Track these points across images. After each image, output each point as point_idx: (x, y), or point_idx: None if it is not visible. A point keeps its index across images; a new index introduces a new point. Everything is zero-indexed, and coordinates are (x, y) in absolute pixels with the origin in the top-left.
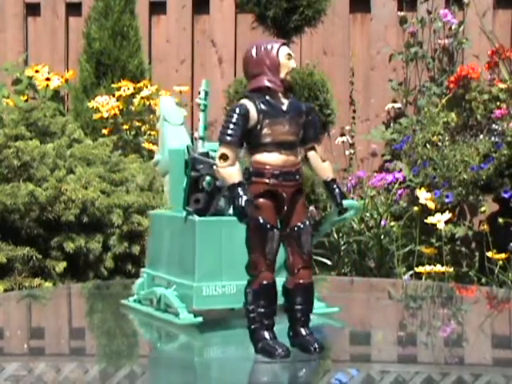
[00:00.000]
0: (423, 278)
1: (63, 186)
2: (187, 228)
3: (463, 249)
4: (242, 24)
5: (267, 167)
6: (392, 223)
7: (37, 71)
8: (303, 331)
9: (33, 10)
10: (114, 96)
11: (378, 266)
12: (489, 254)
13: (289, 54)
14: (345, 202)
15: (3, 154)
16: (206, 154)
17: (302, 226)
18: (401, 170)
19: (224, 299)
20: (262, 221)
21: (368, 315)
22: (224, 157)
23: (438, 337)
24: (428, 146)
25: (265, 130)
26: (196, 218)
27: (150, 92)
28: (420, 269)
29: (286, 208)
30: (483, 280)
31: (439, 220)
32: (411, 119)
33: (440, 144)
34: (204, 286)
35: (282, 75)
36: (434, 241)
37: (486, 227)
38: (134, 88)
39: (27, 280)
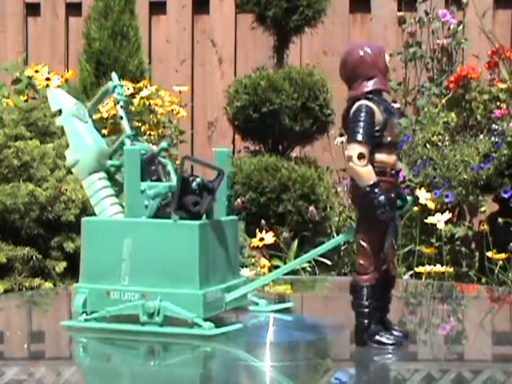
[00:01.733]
0: (423, 277)
1: (63, 186)
2: (179, 233)
3: (463, 249)
4: (242, 24)
5: (387, 167)
6: None
7: (36, 71)
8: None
9: (33, 10)
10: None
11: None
12: (489, 253)
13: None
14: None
15: (3, 154)
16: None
17: (398, 223)
18: (401, 170)
19: (219, 303)
20: (385, 217)
21: None
22: (361, 156)
23: (437, 334)
24: (428, 145)
25: (386, 131)
26: (196, 222)
27: (150, 92)
28: (420, 269)
29: None
30: (483, 280)
31: (439, 220)
32: (411, 119)
33: (440, 144)
34: (208, 293)
35: None
36: (433, 241)
37: (485, 227)
38: (134, 88)
39: (27, 280)
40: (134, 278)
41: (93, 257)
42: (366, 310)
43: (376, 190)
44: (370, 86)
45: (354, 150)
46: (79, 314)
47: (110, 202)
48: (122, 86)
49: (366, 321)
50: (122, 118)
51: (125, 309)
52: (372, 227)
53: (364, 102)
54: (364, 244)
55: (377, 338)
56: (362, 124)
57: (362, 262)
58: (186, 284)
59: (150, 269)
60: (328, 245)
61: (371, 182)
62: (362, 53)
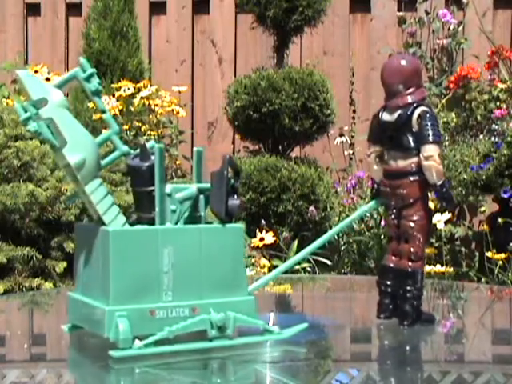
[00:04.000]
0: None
1: (63, 186)
2: (225, 238)
3: (463, 249)
4: (242, 24)
5: None
6: None
7: (36, 71)
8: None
9: (33, 10)
10: (113, 96)
11: (378, 265)
12: (488, 253)
13: None
14: None
15: (3, 154)
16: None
17: None
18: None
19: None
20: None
21: (368, 314)
22: (440, 156)
23: (437, 334)
24: None
25: None
26: (241, 225)
27: (150, 92)
28: None
29: None
30: (483, 280)
31: (439, 220)
32: None
33: None
34: (253, 299)
35: None
36: (433, 241)
37: (485, 227)
38: (134, 88)
39: (27, 280)
40: (178, 292)
41: (125, 273)
42: (420, 293)
43: (447, 185)
44: (424, 93)
45: (435, 150)
46: (128, 340)
47: (118, 210)
48: (99, 76)
49: (419, 303)
50: (104, 111)
51: (191, 326)
52: (426, 218)
53: (425, 107)
54: (418, 234)
55: (424, 317)
56: (435, 127)
57: (415, 249)
58: (236, 290)
59: (196, 279)
60: (354, 217)
61: (444, 179)
62: (416, 63)
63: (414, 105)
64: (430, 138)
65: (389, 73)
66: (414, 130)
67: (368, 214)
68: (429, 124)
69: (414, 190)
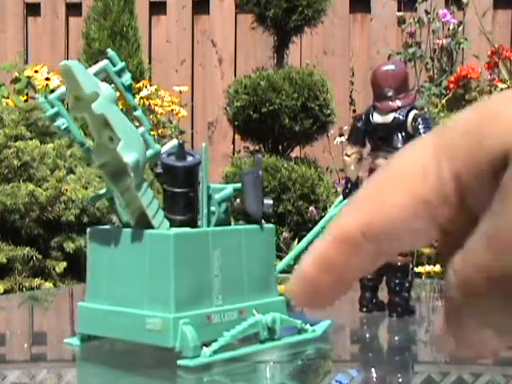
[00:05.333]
0: (423, 277)
1: (63, 186)
2: (261, 238)
3: None
4: (241, 24)
5: None
6: None
7: (36, 71)
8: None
9: (33, 10)
10: None
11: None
12: None
13: None
14: None
15: (3, 154)
16: None
17: None
18: None
19: None
20: None
21: (368, 314)
22: None
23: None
24: None
25: None
26: (272, 225)
27: (150, 92)
28: (420, 269)
29: None
30: None
31: None
32: None
33: None
34: (284, 298)
35: None
36: (433, 241)
37: None
38: (134, 88)
39: (27, 280)
40: (227, 295)
41: (185, 278)
42: (410, 285)
43: None
44: (414, 97)
45: None
46: (198, 348)
47: (163, 213)
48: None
49: (409, 295)
50: (136, 108)
51: (247, 329)
52: None
53: (417, 111)
54: None
55: (410, 309)
56: (430, 130)
57: None
58: (270, 291)
59: (240, 281)
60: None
61: None
62: (406, 69)
63: (408, 108)
64: None
65: (384, 76)
66: (407, 131)
67: None
68: (424, 126)
69: None
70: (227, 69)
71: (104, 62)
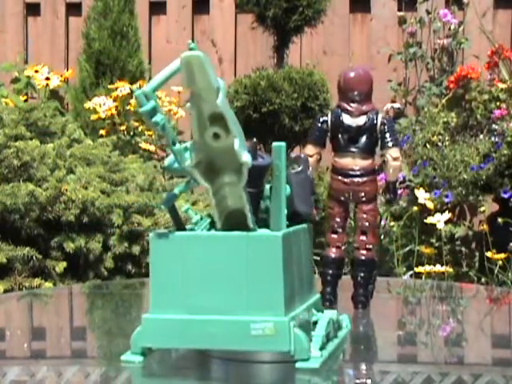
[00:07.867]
0: (423, 277)
1: (63, 186)
2: (307, 237)
3: (463, 249)
4: (242, 24)
5: None
6: (392, 223)
7: (36, 71)
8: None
9: (33, 10)
10: (111, 97)
11: (378, 265)
12: (488, 253)
13: None
14: None
15: (3, 154)
16: None
17: None
18: (400, 170)
19: None
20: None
21: (368, 314)
22: (401, 156)
23: (437, 336)
24: (428, 145)
25: None
26: (309, 223)
27: None
28: (420, 269)
29: None
30: (483, 280)
31: (439, 220)
32: (411, 119)
33: (440, 144)
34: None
35: None
36: (433, 241)
37: (485, 227)
38: (131, 88)
39: (27, 280)
40: (300, 295)
41: (288, 280)
42: (375, 278)
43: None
44: (372, 103)
45: (399, 152)
46: (309, 350)
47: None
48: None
49: (373, 288)
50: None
51: (328, 326)
52: (378, 212)
53: (382, 114)
54: (375, 227)
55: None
56: (396, 132)
57: (375, 240)
58: (314, 288)
59: (303, 280)
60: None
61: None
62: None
63: (375, 111)
64: (395, 142)
65: (357, 81)
66: (375, 134)
67: None
68: (392, 129)
69: (375, 187)
70: (227, 69)
71: (175, 64)
